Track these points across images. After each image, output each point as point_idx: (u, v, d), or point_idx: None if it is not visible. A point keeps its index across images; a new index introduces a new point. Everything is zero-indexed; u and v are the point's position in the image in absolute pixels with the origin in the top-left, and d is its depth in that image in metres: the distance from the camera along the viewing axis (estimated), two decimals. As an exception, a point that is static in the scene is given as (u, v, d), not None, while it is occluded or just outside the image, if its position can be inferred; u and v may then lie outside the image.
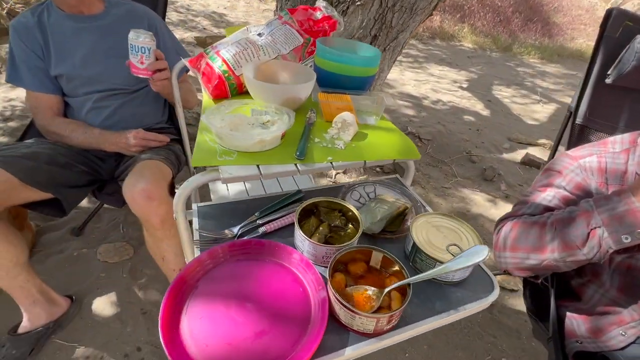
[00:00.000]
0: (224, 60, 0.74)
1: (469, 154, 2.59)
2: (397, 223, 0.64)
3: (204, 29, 4.09)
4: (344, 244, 0.52)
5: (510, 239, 0.73)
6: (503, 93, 4.09)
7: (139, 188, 0.90)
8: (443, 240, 0.57)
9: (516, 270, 0.73)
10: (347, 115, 0.66)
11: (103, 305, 1.23)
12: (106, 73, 1.09)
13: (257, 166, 0.55)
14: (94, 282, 1.30)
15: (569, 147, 1.03)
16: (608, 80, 0.93)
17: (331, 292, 0.45)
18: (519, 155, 2.71)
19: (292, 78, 0.80)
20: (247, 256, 0.54)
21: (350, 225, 0.60)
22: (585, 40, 7.00)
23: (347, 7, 1.83)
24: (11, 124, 2.00)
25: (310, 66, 0.90)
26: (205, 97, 0.77)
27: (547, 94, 4.33)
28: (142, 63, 0.87)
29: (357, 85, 0.79)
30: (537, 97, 4.15)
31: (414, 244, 0.55)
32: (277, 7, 2.16)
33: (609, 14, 0.90)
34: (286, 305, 0.48)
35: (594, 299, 0.77)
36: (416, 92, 3.62)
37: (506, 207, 2.07)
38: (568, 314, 0.82)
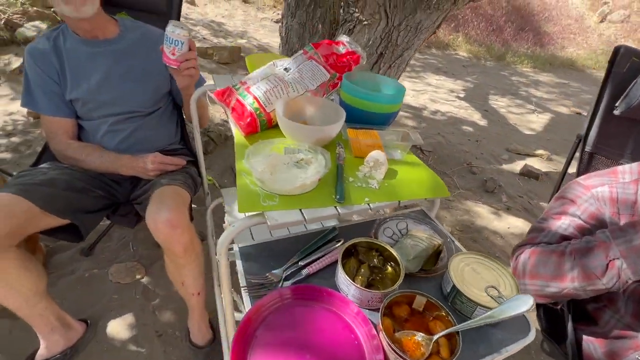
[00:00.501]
0: (255, 98, 0.76)
1: (470, 166, 2.64)
2: (431, 261, 0.67)
3: (204, 38, 4.09)
4: (390, 290, 0.54)
5: (529, 266, 0.76)
6: (499, 103, 4.18)
7: (163, 218, 0.91)
8: (480, 281, 0.59)
9: (536, 297, 0.76)
10: (379, 155, 0.69)
11: (118, 327, 1.22)
12: (122, 98, 1.10)
13: (300, 211, 0.57)
14: (107, 304, 1.29)
15: (578, 174, 1.08)
16: (616, 112, 0.98)
17: (385, 341, 0.47)
18: (517, 166, 2.77)
19: (319, 113, 0.82)
20: (298, 302, 0.56)
21: (388, 266, 0.62)
22: (575, 49, 7.20)
23: (354, 26, 1.86)
24: (14, 139, 1.97)
25: (333, 99, 0.92)
26: (237, 133, 0.78)
27: (541, 104, 4.44)
28: (173, 54, 0.90)
29: (381, 120, 0.82)
30: (532, 107, 4.25)
31: (454, 286, 0.57)
32: (282, 23, 2.19)
33: (617, 51, 0.96)
34: (342, 356, 0.49)
35: (610, 324, 0.81)
36: (415, 103, 3.68)
37: (509, 220, 2.12)
38: (584, 337, 0.86)
